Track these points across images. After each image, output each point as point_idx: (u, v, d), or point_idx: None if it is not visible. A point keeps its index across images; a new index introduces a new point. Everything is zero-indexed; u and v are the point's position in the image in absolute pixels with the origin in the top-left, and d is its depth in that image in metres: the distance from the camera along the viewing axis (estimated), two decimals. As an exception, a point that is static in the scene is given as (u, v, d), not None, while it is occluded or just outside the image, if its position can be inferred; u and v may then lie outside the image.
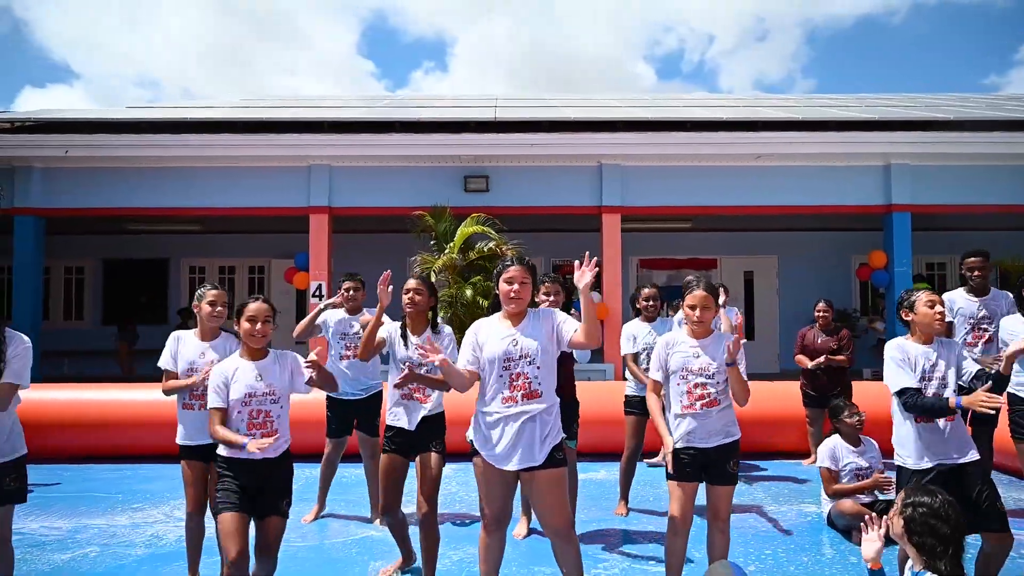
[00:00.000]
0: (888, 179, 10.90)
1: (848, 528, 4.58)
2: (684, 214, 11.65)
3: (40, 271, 11.12)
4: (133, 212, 11.13)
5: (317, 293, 10.77)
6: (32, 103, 67.42)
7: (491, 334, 3.20)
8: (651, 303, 5.35)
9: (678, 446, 3.39)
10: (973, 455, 3.33)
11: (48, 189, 10.80)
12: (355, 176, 10.88)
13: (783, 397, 7.15)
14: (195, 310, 3.72)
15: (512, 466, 3.09)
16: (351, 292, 5.07)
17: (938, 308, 3.41)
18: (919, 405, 3.27)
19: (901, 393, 3.33)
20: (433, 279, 9.87)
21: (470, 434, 3.27)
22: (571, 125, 10.91)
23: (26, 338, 3.21)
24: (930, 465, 3.30)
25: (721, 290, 7.37)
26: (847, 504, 4.57)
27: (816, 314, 6.64)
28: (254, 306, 3.35)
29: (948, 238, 13.24)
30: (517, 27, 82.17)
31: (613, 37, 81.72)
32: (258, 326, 3.31)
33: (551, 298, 4.16)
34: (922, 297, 3.44)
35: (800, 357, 6.73)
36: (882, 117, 11.14)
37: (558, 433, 3.17)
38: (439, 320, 3.98)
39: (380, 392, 5.06)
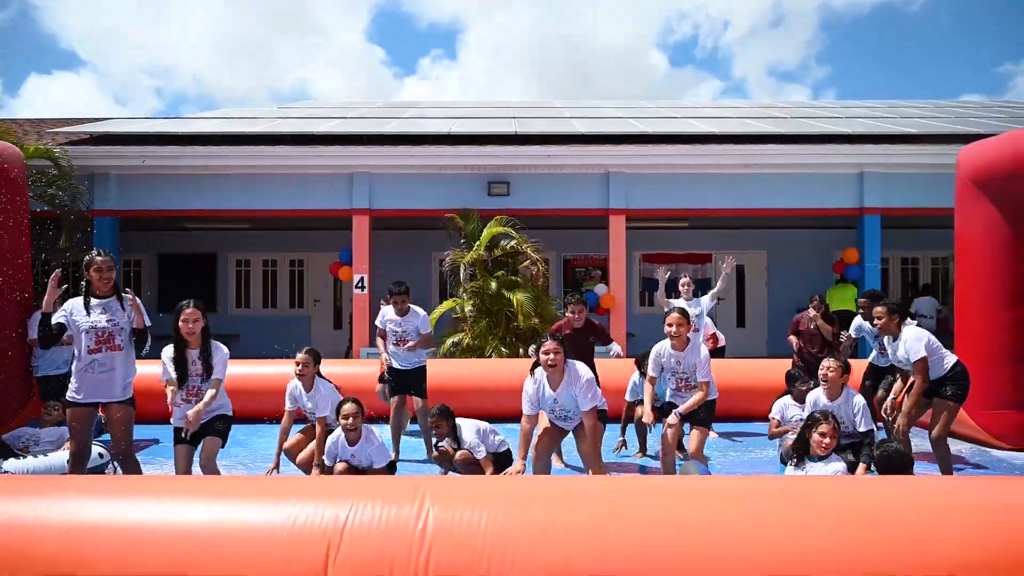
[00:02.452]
0: (861, 185, 12.41)
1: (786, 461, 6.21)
2: (682, 215, 13.16)
3: (117, 266, 12.65)
4: (195, 214, 12.68)
5: (359, 285, 12.31)
6: (38, 91, 68.67)
7: (541, 395, 4.77)
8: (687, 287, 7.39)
9: (670, 400, 5.12)
10: None
11: (123, 193, 12.34)
12: (393, 182, 12.41)
13: (764, 373, 8.68)
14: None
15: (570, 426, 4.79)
16: (399, 299, 6.57)
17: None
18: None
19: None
20: (462, 273, 11.50)
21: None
22: (582, 139, 12.43)
23: (224, 348, 4.78)
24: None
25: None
26: (788, 443, 6.16)
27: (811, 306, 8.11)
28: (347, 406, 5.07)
29: (921, 235, 14.79)
30: (528, 15, 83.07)
31: (627, 25, 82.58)
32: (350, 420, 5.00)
33: (576, 315, 5.77)
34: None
35: (791, 337, 8.22)
36: (856, 131, 12.64)
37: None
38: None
39: (424, 366, 6.68)
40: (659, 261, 15.74)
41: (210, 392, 4.63)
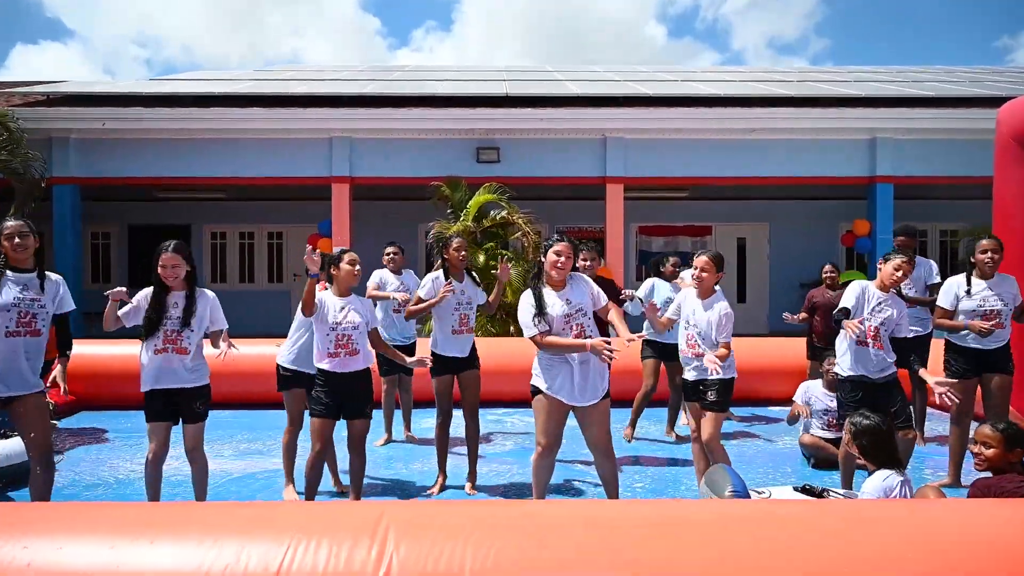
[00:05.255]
0: (873, 152, 11.68)
1: (808, 456, 5.58)
2: (683, 184, 12.41)
3: (79, 237, 11.83)
4: (163, 181, 11.81)
5: (340, 258, 11.53)
6: (25, 61, 66.66)
7: (551, 301, 3.89)
8: (676, 268, 6.30)
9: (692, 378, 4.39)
10: (891, 377, 4.36)
11: (84, 159, 11.46)
12: (374, 147, 11.58)
13: (775, 352, 8.04)
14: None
15: (582, 403, 3.85)
16: (392, 255, 6.17)
17: (901, 273, 4.35)
18: (837, 319, 4.38)
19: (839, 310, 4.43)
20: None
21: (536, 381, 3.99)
22: (577, 100, 11.61)
23: (210, 293, 4.07)
24: (855, 374, 4.34)
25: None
26: (806, 437, 5.56)
27: (824, 276, 7.25)
28: (351, 255, 4.22)
29: (928, 207, 14.09)
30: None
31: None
32: (357, 268, 4.17)
33: (588, 263, 4.99)
34: (893, 260, 4.38)
35: (803, 315, 7.36)
36: (868, 94, 11.88)
37: (607, 373, 3.96)
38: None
39: (415, 343, 6.15)
40: (657, 234, 15.04)
41: (225, 345, 4.09)
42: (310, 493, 4.13)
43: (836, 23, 76.79)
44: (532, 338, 3.86)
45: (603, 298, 4.03)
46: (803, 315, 7.29)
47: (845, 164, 11.73)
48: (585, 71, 16.09)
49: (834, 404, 5.58)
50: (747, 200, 14.32)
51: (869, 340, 4.31)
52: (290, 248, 14.83)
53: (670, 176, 11.76)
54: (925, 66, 17.84)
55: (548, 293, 3.94)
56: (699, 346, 4.27)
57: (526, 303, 3.93)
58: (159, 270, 3.91)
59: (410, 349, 5.98)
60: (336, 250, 4.41)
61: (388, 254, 6.19)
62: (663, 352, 6.10)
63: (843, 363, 4.43)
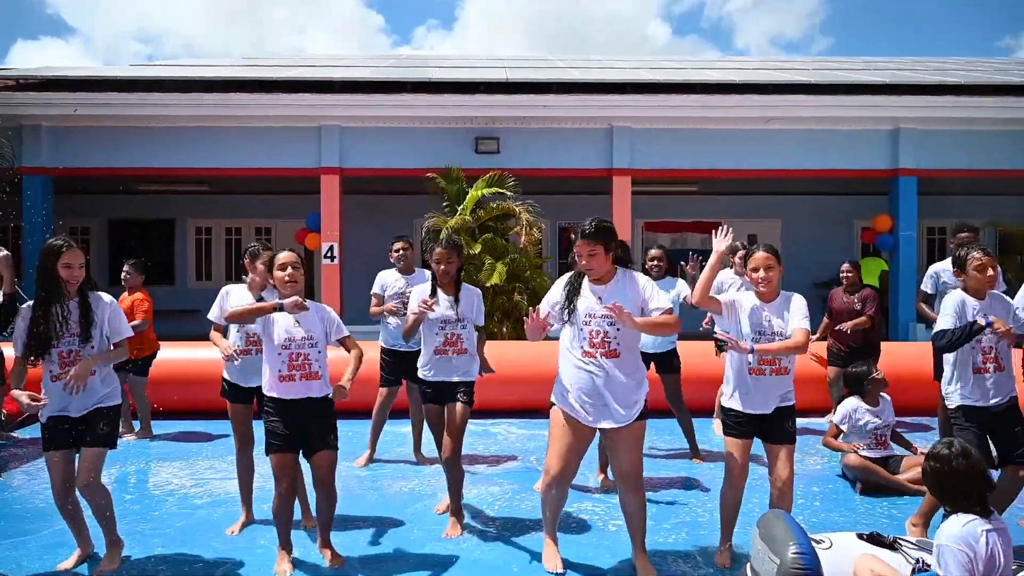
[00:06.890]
0: (896, 143, 10.97)
1: (854, 480, 4.81)
2: (694, 177, 11.71)
3: (51, 231, 11.12)
4: (142, 172, 11.12)
5: (329, 254, 10.84)
6: (26, 57, 65.91)
7: (584, 293, 3.31)
8: (656, 263, 5.54)
9: (735, 407, 3.45)
10: (1012, 401, 3.58)
11: (56, 148, 10.75)
12: (366, 137, 10.88)
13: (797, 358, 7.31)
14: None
15: (603, 424, 3.20)
16: (402, 252, 5.38)
17: (989, 272, 3.56)
18: (954, 340, 3.50)
19: (937, 335, 3.57)
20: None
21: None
22: (582, 87, 10.92)
23: (107, 297, 3.49)
24: (968, 404, 3.56)
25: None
26: (852, 459, 4.76)
27: (841, 275, 6.60)
28: (284, 255, 3.56)
29: (949, 203, 13.40)
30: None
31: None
32: (288, 271, 3.49)
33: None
34: (973, 258, 3.57)
35: (825, 322, 6.70)
36: (892, 81, 11.18)
37: (643, 387, 3.30)
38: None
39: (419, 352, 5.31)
40: (664, 230, 14.35)
41: (117, 351, 3.47)
42: (283, 541, 3.44)
43: (838, 23, 76.40)
44: None
45: (655, 304, 3.22)
46: (825, 321, 6.64)
47: (866, 156, 11.02)
48: (589, 60, 15.39)
49: (879, 420, 4.94)
50: (759, 195, 13.64)
51: (989, 365, 3.54)
52: (280, 245, 14.09)
53: (680, 168, 11.05)
54: (943, 57, 17.15)
55: (584, 284, 3.31)
56: (780, 360, 3.39)
57: (558, 286, 3.42)
58: (61, 271, 3.34)
59: (414, 356, 5.23)
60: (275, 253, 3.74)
61: (396, 251, 5.41)
62: (653, 360, 5.31)
63: (952, 391, 3.64)
